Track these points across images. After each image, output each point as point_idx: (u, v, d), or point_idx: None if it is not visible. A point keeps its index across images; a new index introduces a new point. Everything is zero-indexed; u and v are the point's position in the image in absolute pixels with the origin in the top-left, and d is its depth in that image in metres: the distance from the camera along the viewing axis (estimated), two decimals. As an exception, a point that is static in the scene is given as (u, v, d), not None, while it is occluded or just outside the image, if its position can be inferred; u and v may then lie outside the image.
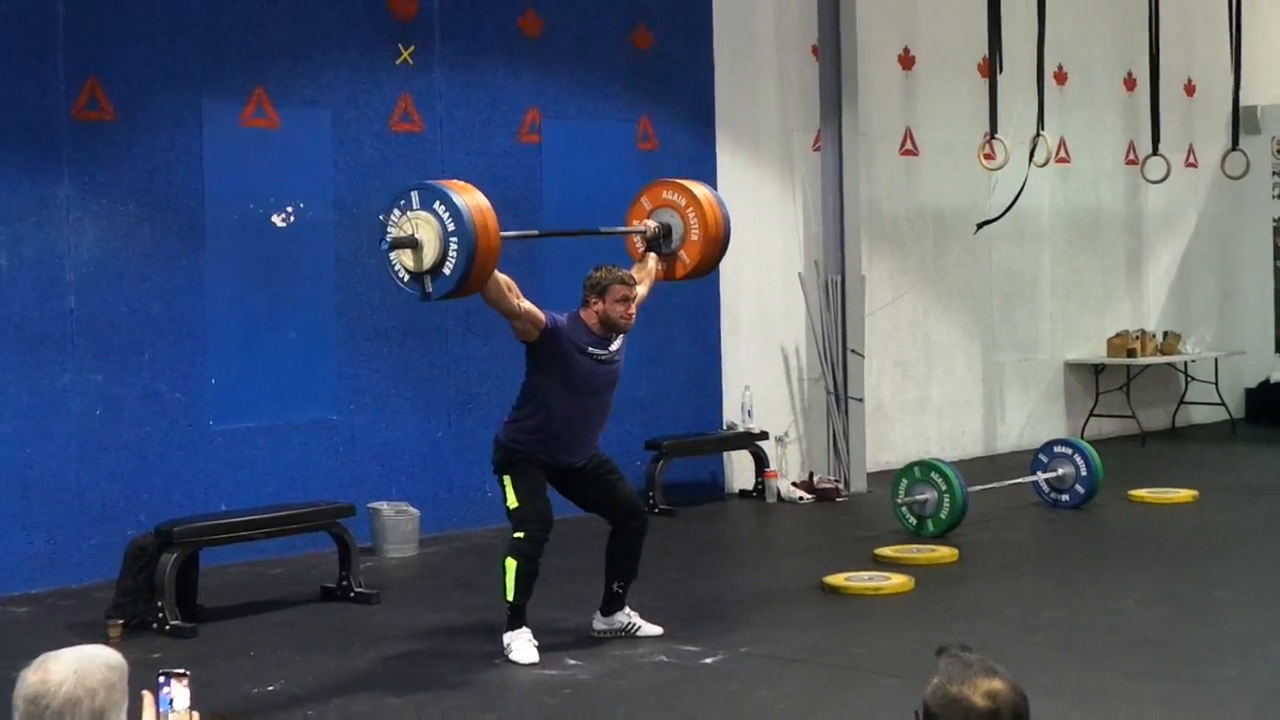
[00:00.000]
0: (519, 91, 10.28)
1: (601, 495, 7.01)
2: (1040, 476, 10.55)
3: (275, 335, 9.27)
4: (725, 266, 11.35)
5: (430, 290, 6.27)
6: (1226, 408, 14.93)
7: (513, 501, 6.77)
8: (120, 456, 8.61)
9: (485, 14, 10.10)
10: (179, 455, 8.82)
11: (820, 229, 11.70)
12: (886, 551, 8.87)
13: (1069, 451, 10.52)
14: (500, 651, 6.71)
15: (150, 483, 8.69)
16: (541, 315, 6.69)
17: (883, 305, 12.35)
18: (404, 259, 6.30)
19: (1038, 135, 11.19)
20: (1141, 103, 13.27)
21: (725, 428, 11.35)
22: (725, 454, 11.49)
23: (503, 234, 6.39)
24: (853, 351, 11.52)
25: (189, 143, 8.89)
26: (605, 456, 7.06)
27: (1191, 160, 15.16)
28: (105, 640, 6.72)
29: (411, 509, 9.38)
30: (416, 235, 6.24)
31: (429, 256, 6.22)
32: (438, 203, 6.23)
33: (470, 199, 6.28)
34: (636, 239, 7.43)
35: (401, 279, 6.36)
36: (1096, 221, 14.51)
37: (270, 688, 6.38)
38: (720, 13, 11.40)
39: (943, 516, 9.45)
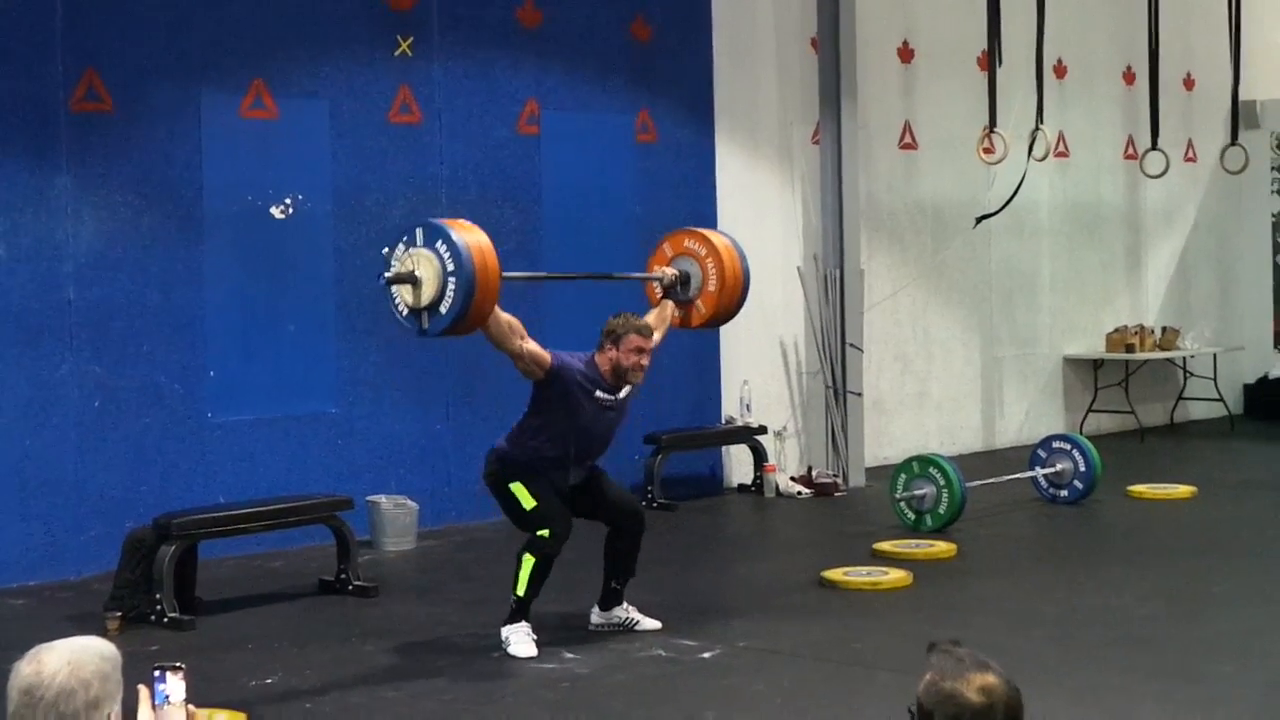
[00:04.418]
0: (517, 83, 10.27)
1: (596, 502, 7.01)
2: (1039, 472, 10.55)
3: (274, 327, 9.26)
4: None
5: (426, 327, 6.34)
6: (1225, 403, 14.93)
7: (529, 502, 6.77)
8: (119, 448, 8.60)
9: (484, 5, 10.09)
10: (177, 447, 8.81)
11: (819, 223, 11.69)
12: (885, 546, 8.86)
13: (1067, 447, 10.51)
14: (499, 645, 6.71)
15: (148, 475, 8.68)
16: (547, 356, 6.69)
17: (882, 299, 12.34)
18: (403, 294, 6.37)
19: (1037, 129, 11.17)
20: (1141, 97, 13.25)
21: (724, 422, 11.34)
22: (724, 448, 11.49)
23: (507, 275, 6.45)
24: (851, 346, 11.52)
25: (187, 134, 8.88)
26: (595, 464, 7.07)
27: (1191, 155, 15.15)
28: (103, 633, 6.72)
29: (410, 502, 9.37)
30: (416, 272, 6.29)
31: (427, 293, 6.28)
32: (439, 241, 6.27)
33: (472, 238, 6.31)
34: (655, 284, 7.42)
35: (400, 312, 6.42)
36: (1095, 216, 14.50)
37: (268, 680, 6.38)
38: (719, 5, 11.38)
39: (941, 511, 9.45)
